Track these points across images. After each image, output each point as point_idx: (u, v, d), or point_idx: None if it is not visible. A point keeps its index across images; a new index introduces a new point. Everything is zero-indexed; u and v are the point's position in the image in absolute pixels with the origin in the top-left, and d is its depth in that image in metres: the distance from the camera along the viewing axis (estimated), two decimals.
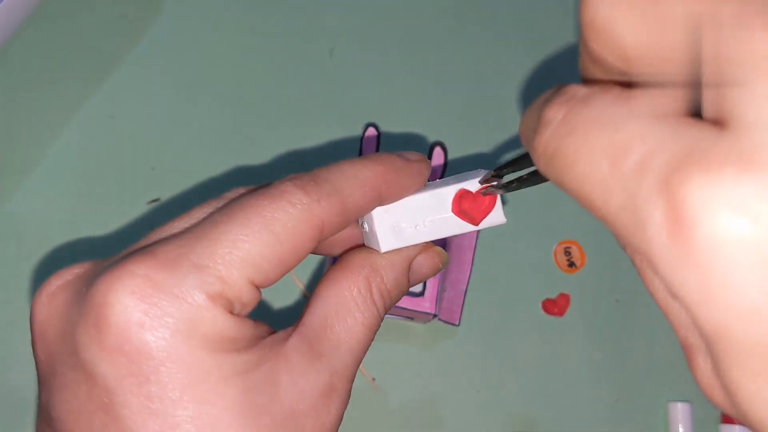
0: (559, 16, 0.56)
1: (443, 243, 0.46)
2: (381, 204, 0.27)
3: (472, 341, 0.49)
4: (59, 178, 0.50)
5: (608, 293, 0.51)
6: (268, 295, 0.49)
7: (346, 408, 0.26)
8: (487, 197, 0.29)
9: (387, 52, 0.54)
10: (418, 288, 0.45)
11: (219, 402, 0.22)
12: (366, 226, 0.28)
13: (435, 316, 0.46)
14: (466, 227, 0.29)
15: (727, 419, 0.48)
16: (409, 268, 0.28)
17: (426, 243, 0.29)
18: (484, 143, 0.53)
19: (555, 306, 0.50)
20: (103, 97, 0.52)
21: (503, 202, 0.29)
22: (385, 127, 0.52)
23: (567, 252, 0.51)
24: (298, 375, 0.24)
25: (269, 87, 0.53)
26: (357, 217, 0.26)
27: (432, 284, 0.45)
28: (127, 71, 0.52)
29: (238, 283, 0.23)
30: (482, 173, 0.29)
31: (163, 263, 0.23)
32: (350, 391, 0.26)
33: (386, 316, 0.48)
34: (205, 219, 0.25)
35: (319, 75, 0.53)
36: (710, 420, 0.49)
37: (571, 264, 0.51)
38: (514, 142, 0.53)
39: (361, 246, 0.29)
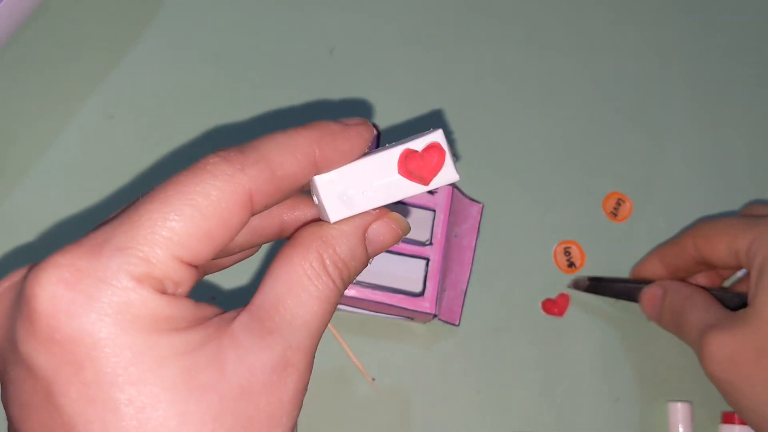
0: (560, 15, 0.56)
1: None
2: (319, 172, 0.27)
3: (472, 341, 0.49)
4: (58, 178, 0.50)
5: None
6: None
7: (307, 382, 0.25)
8: (435, 154, 0.28)
9: (387, 51, 0.54)
10: (418, 288, 0.45)
11: (158, 382, 0.22)
12: (316, 198, 0.28)
13: (435, 316, 0.45)
14: (417, 188, 0.28)
15: (727, 419, 0.48)
16: (363, 236, 0.28)
17: (382, 210, 0.28)
18: (485, 143, 0.53)
19: (555, 306, 0.50)
20: (102, 97, 0.52)
21: (456, 159, 0.29)
22: (385, 127, 0.52)
23: (567, 252, 0.51)
24: (246, 352, 0.24)
25: (269, 86, 0.53)
26: (293, 185, 0.26)
27: (432, 284, 0.45)
28: (126, 71, 0.52)
29: (164, 261, 0.23)
30: (429, 133, 0.28)
31: (87, 250, 0.22)
32: (311, 365, 0.25)
33: (386, 316, 0.48)
34: (130, 204, 0.24)
35: (319, 75, 0.53)
36: (710, 420, 0.49)
37: (571, 264, 0.51)
38: (514, 143, 0.53)
39: (316, 221, 0.28)
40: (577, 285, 0.50)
